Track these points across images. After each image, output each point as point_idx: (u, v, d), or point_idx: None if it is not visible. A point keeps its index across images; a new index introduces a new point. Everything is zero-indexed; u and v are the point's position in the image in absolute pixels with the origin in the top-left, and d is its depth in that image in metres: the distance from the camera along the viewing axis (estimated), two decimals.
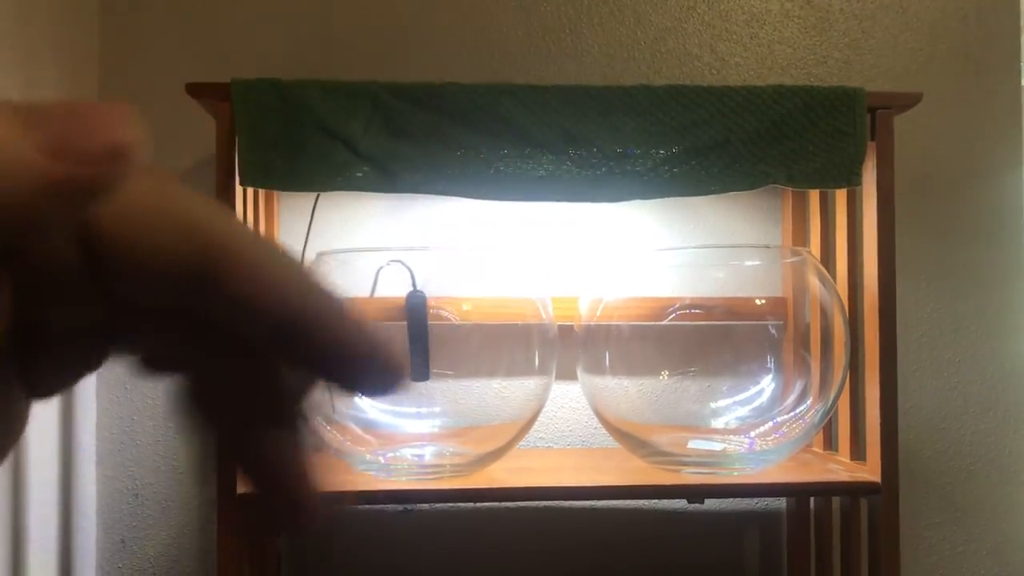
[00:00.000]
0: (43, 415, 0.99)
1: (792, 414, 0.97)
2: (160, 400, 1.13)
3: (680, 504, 1.16)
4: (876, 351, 0.93)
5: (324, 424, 0.92)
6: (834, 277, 1.02)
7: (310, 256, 1.05)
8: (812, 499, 1.13)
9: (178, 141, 1.13)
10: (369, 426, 0.95)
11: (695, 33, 1.20)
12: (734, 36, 1.20)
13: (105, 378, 1.12)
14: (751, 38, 1.20)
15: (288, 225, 1.14)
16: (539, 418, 0.98)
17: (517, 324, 0.97)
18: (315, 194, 1.09)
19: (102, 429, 1.13)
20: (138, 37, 1.14)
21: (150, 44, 1.14)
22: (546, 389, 0.97)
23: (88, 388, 1.11)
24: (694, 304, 1.01)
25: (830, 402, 0.95)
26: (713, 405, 1.00)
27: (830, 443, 1.09)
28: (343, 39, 1.16)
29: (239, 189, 0.90)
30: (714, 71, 1.19)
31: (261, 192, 1.02)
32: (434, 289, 0.96)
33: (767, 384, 0.99)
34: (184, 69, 1.13)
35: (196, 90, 0.90)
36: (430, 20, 1.17)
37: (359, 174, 0.90)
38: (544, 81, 0.94)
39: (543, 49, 1.18)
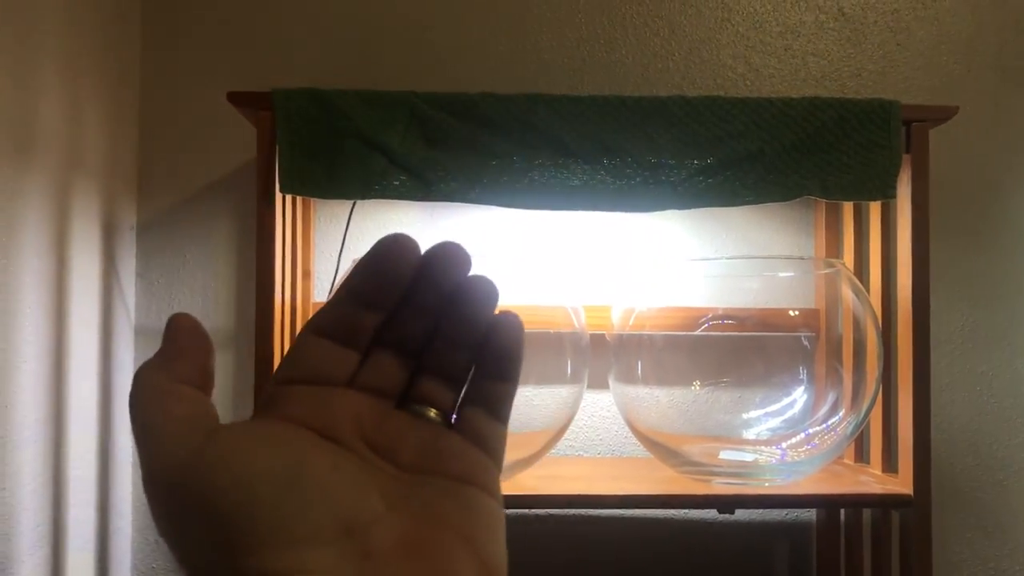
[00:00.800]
0: (81, 417, 1.01)
1: (824, 426, 0.96)
2: None
3: (710, 514, 1.16)
4: (909, 363, 0.93)
5: None
6: (867, 289, 1.02)
7: (346, 263, 1.07)
8: (842, 511, 1.12)
9: (218, 148, 1.15)
10: None
11: (729, 44, 1.20)
12: (768, 47, 1.20)
13: None
14: (785, 50, 1.20)
15: (324, 232, 1.15)
16: (570, 426, 0.99)
17: (549, 332, 0.98)
18: (352, 202, 1.10)
19: None
20: (179, 47, 1.16)
21: (191, 53, 1.16)
22: (578, 397, 0.97)
23: (124, 389, 1.12)
24: (727, 315, 1.01)
25: (862, 414, 0.95)
26: (745, 416, 1.00)
27: (861, 455, 1.08)
28: (381, 50, 1.17)
29: (278, 196, 0.92)
30: (748, 82, 1.20)
31: (299, 199, 1.04)
32: None
33: (799, 396, 0.98)
34: (224, 78, 1.15)
35: (237, 99, 0.91)
36: (466, 32, 1.18)
37: (396, 183, 0.91)
38: (578, 91, 0.95)
39: (577, 60, 1.19)
